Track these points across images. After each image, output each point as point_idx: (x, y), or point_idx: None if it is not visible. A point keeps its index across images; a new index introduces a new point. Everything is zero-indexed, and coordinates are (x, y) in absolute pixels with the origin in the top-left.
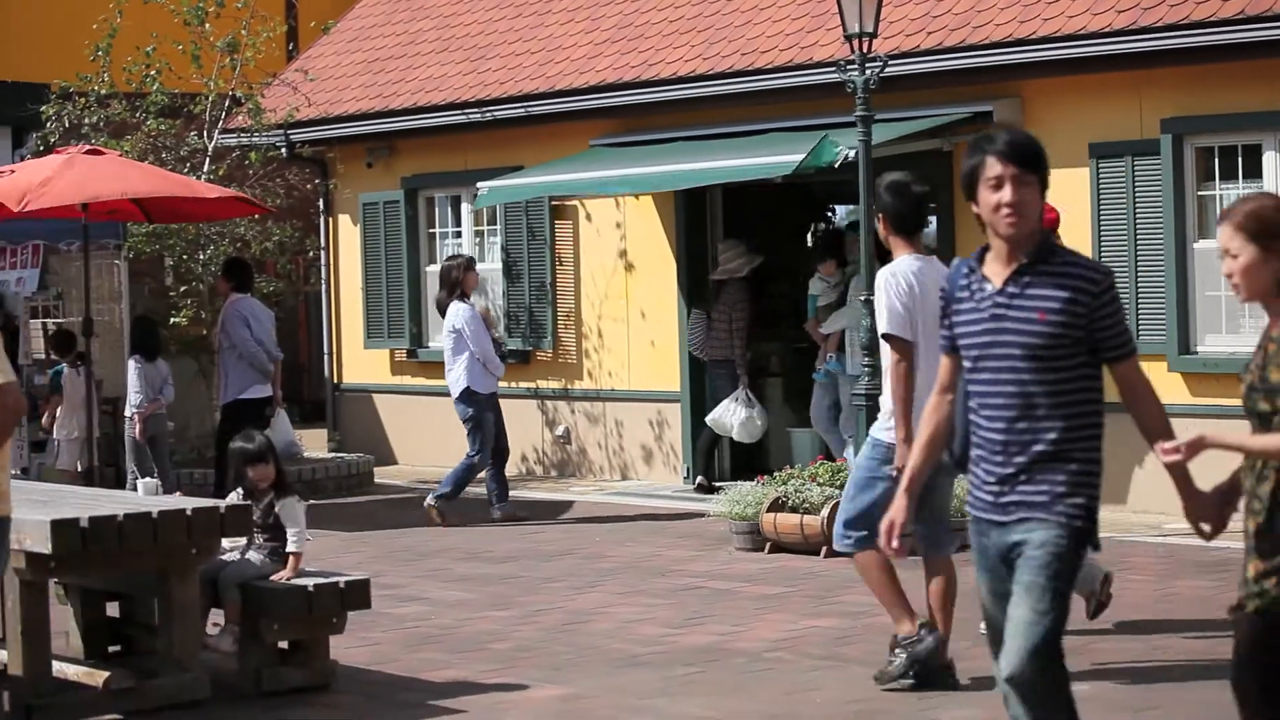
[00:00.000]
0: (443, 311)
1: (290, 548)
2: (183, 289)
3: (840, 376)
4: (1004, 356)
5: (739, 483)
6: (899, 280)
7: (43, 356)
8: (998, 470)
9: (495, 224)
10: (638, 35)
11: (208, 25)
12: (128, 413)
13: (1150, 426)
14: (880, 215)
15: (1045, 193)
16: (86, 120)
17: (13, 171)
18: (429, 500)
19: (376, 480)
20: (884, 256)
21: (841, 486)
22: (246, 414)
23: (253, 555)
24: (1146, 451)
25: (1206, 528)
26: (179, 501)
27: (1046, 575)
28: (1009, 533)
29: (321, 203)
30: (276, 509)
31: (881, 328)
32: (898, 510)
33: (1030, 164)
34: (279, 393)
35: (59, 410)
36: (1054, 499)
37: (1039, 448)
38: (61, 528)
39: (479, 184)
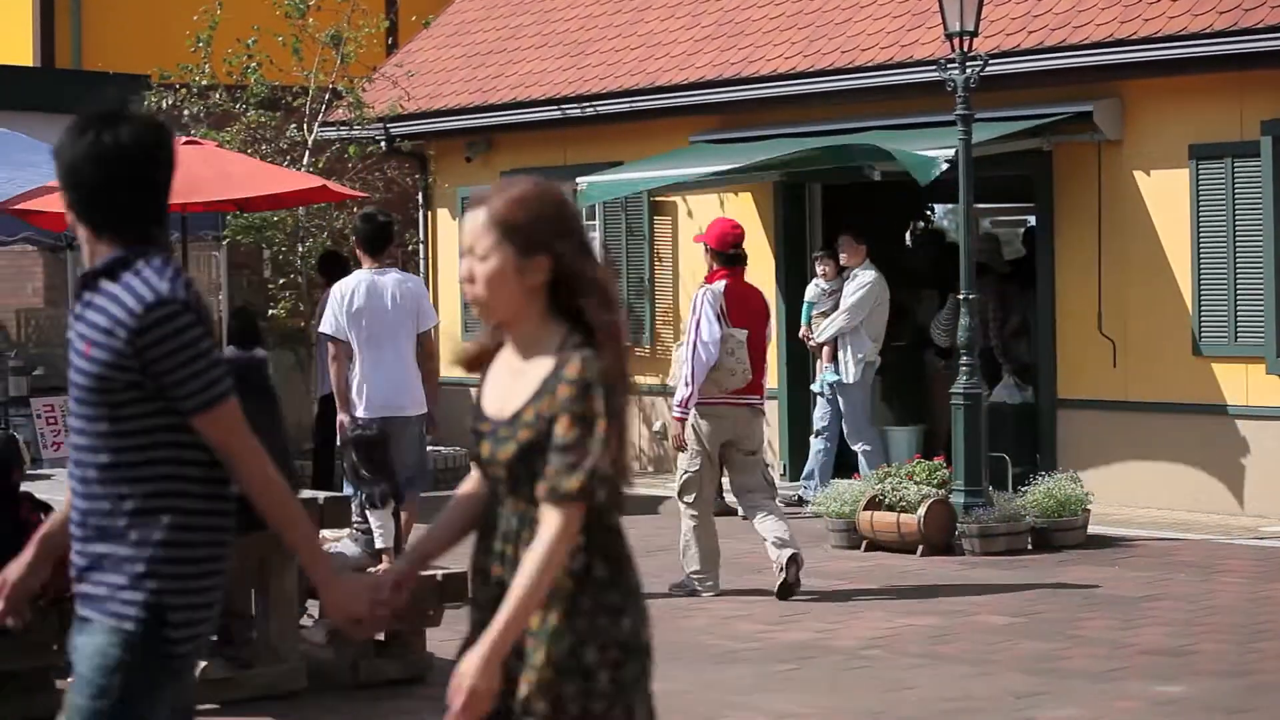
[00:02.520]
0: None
1: (377, 544)
2: (281, 281)
3: (840, 386)
4: (73, 396)
5: (836, 480)
6: (338, 293)
7: None
8: (74, 548)
9: (594, 220)
10: (738, 31)
11: (310, 20)
12: None
13: (256, 501)
14: (354, 238)
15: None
16: (187, 111)
17: None
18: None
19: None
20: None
21: (940, 485)
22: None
23: (348, 545)
24: (1242, 455)
25: (360, 621)
26: None
27: (88, 695)
28: (78, 633)
29: (420, 197)
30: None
31: (321, 328)
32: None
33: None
34: None
35: None
36: (110, 594)
37: (99, 521)
38: None
39: (578, 179)
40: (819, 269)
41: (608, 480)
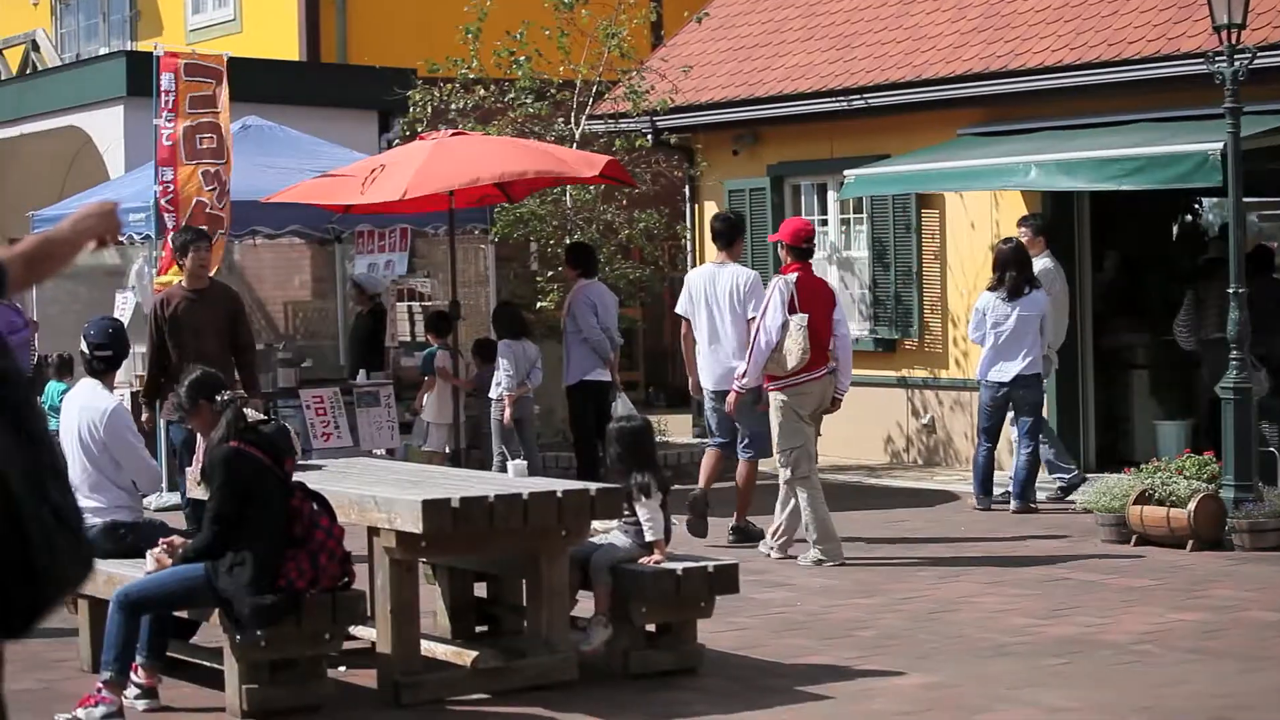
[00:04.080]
0: (1015, 295)
1: (647, 537)
2: (549, 274)
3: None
4: None
5: (1105, 474)
6: (689, 280)
7: (408, 339)
8: None
9: (861, 212)
10: (1004, 24)
11: (584, 11)
12: (493, 394)
13: None
14: (710, 235)
15: None
16: (453, 105)
17: (383, 167)
18: (1014, 507)
19: None
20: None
21: (1210, 480)
22: (589, 395)
23: (618, 537)
24: None
25: None
26: (549, 483)
27: None
28: None
29: (687, 189)
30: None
31: (677, 309)
32: None
33: None
34: (617, 377)
35: (429, 394)
36: None
37: None
38: (432, 507)
39: (846, 172)
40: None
41: None
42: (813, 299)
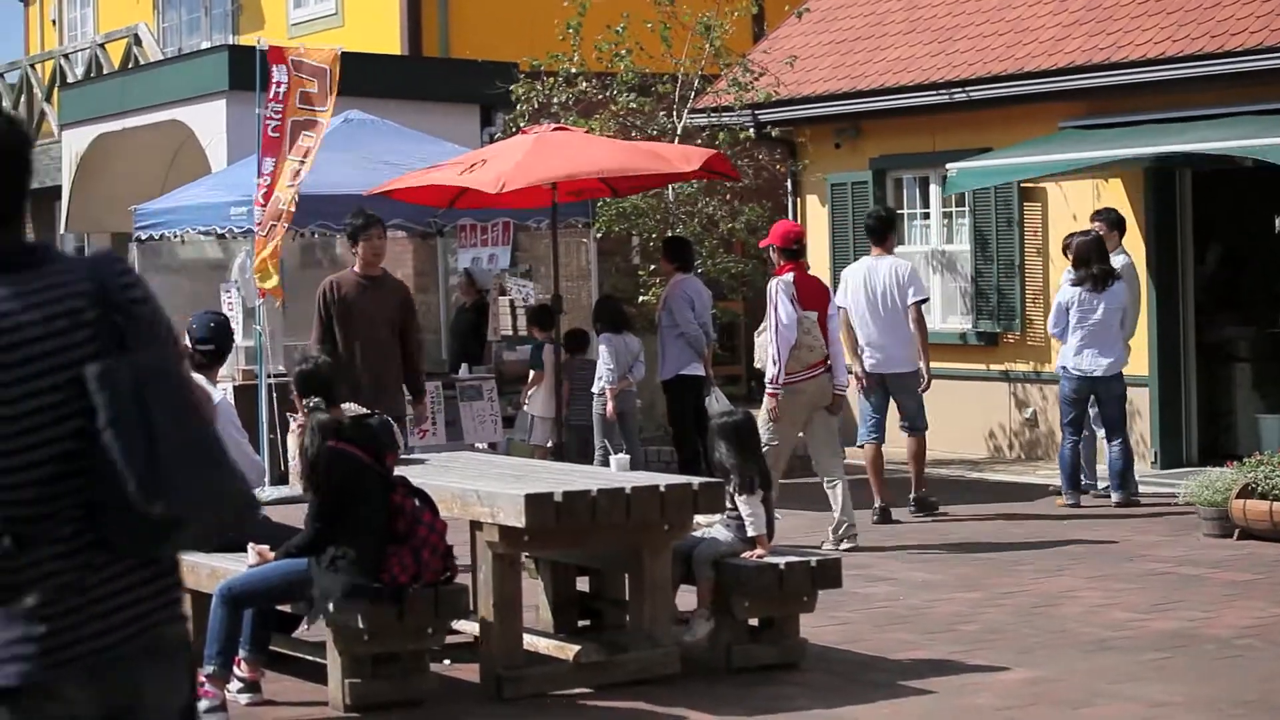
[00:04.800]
0: (1101, 287)
1: (749, 532)
2: (651, 268)
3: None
4: None
5: (1207, 468)
6: (845, 276)
7: (510, 333)
8: None
9: (964, 205)
10: (1106, 17)
11: (685, 9)
12: (596, 388)
13: None
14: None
15: None
16: (555, 99)
17: (484, 161)
18: (1116, 499)
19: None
20: None
21: None
22: (687, 390)
23: (720, 532)
24: None
25: None
26: (652, 478)
27: None
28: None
29: (789, 183)
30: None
31: (837, 299)
32: None
33: None
34: (710, 371)
35: (534, 387)
36: None
37: None
38: (535, 501)
39: (948, 165)
40: (1070, 256)
41: None
42: (811, 297)
